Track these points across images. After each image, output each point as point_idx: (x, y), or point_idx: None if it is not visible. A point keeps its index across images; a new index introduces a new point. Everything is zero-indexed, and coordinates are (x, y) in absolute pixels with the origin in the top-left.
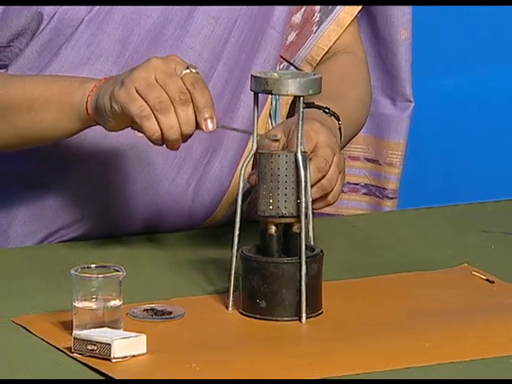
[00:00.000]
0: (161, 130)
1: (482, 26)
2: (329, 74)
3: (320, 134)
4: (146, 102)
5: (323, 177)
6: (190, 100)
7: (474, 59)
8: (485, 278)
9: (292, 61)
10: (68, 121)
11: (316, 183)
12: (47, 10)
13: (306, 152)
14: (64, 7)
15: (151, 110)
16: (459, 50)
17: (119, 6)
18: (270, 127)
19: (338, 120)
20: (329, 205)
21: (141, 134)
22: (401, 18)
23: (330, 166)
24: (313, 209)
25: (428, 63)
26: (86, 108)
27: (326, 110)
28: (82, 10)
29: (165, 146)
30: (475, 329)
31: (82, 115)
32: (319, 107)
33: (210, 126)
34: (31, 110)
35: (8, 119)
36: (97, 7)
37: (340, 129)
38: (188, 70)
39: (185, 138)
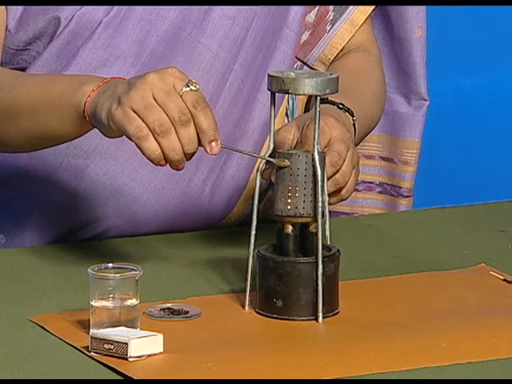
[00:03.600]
0: (163, 152)
1: (499, 25)
2: (342, 70)
3: (334, 129)
4: (144, 122)
5: (337, 171)
6: (191, 119)
7: (490, 59)
8: (502, 278)
9: (305, 60)
10: (71, 123)
11: (330, 178)
12: (65, 13)
13: (323, 152)
14: (82, 10)
15: (150, 131)
16: (476, 50)
17: (136, 8)
18: None
19: (353, 116)
20: (342, 200)
21: None
22: (415, 15)
23: (343, 161)
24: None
25: (444, 62)
26: (85, 114)
27: (340, 106)
28: (99, 12)
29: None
30: (492, 329)
31: (81, 118)
32: (333, 103)
33: (215, 148)
34: (35, 114)
35: (15, 123)
36: (114, 9)
37: (354, 125)
38: (188, 88)
39: (188, 156)
